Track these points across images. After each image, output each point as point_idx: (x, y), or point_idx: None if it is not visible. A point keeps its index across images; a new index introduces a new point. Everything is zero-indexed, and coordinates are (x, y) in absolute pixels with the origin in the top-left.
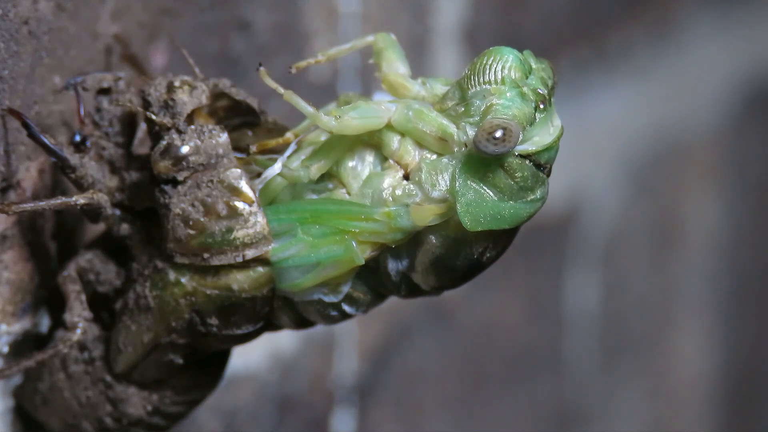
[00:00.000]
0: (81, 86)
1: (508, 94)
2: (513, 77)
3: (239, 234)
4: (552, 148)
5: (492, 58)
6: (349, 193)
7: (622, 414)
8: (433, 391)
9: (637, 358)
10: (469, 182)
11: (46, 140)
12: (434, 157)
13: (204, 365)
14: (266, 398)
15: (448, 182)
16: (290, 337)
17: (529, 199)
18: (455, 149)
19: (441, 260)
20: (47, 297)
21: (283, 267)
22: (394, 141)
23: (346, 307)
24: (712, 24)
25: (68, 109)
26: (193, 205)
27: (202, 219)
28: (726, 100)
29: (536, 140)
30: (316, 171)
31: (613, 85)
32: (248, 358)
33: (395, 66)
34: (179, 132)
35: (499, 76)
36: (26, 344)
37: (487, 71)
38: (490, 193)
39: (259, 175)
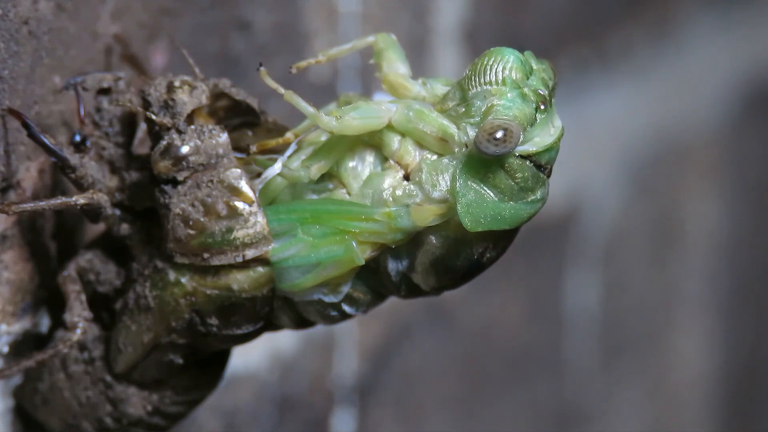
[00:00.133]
0: (81, 86)
1: (508, 95)
2: (514, 78)
3: (239, 234)
4: (552, 149)
5: (493, 59)
6: (349, 194)
7: (622, 414)
8: (433, 391)
9: (637, 358)
10: (469, 183)
11: (46, 140)
12: (435, 157)
13: (204, 365)
14: (266, 398)
15: (448, 183)
16: (290, 337)
17: (529, 199)
18: (456, 150)
19: (441, 260)
20: (47, 297)
21: (283, 267)
22: (394, 141)
23: (346, 307)
24: (712, 24)
25: (68, 109)
26: (193, 205)
27: (202, 219)
28: (726, 100)
29: (537, 141)
30: (316, 171)
31: (613, 85)
32: (248, 358)
33: (396, 66)
34: (179, 132)
35: (500, 77)
36: (26, 344)
37: (488, 72)
38: (491, 193)
39: (259, 175)
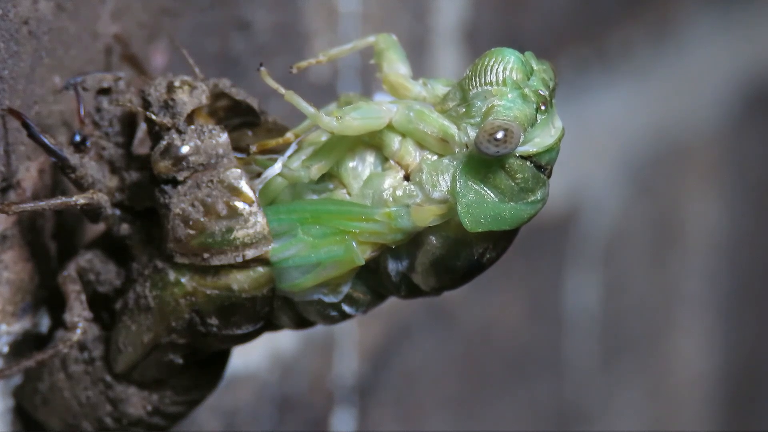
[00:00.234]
0: (81, 86)
1: (509, 96)
2: (514, 78)
3: (239, 234)
4: (553, 150)
5: (493, 60)
6: (349, 194)
7: (622, 414)
8: (433, 391)
9: (637, 358)
10: (469, 183)
11: (46, 140)
12: (435, 157)
13: (204, 365)
14: (266, 398)
15: (448, 183)
16: (290, 337)
17: (529, 200)
18: (456, 150)
19: (441, 261)
20: (47, 297)
21: (283, 267)
22: (395, 142)
23: (346, 308)
24: (712, 24)
25: (68, 109)
26: (193, 205)
27: (202, 219)
28: (726, 100)
29: (537, 141)
30: (316, 171)
31: (613, 85)
32: (248, 358)
33: (396, 67)
34: (179, 132)
35: (501, 78)
36: (26, 344)
37: (489, 72)
38: (491, 194)
39: (259, 175)
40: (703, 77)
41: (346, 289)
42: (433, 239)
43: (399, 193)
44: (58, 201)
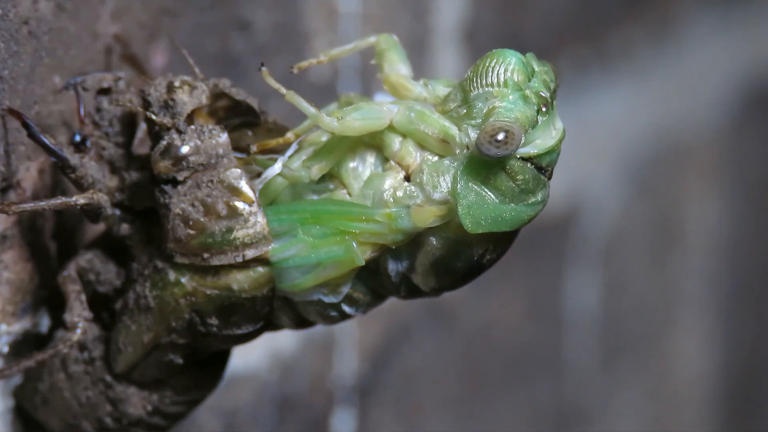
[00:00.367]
0: (81, 86)
1: (510, 97)
2: (515, 80)
3: (239, 234)
4: (554, 151)
5: (495, 61)
6: (349, 194)
7: (622, 414)
8: (433, 391)
9: (637, 358)
10: (470, 184)
11: (46, 140)
12: (436, 158)
13: (204, 365)
14: (266, 398)
15: (449, 184)
16: (290, 337)
17: (530, 201)
18: (457, 151)
19: (441, 262)
20: (47, 297)
21: (284, 267)
22: (395, 142)
23: (346, 308)
24: (712, 24)
25: (68, 109)
26: (193, 205)
27: (202, 219)
28: (726, 100)
29: (538, 143)
30: (317, 171)
31: (613, 85)
32: (248, 358)
33: (397, 67)
34: (179, 132)
35: (502, 79)
36: (26, 344)
37: (490, 73)
38: (492, 195)
39: (259, 175)
40: (703, 77)
41: (346, 289)
42: (433, 240)
43: (399, 193)
44: (58, 201)
